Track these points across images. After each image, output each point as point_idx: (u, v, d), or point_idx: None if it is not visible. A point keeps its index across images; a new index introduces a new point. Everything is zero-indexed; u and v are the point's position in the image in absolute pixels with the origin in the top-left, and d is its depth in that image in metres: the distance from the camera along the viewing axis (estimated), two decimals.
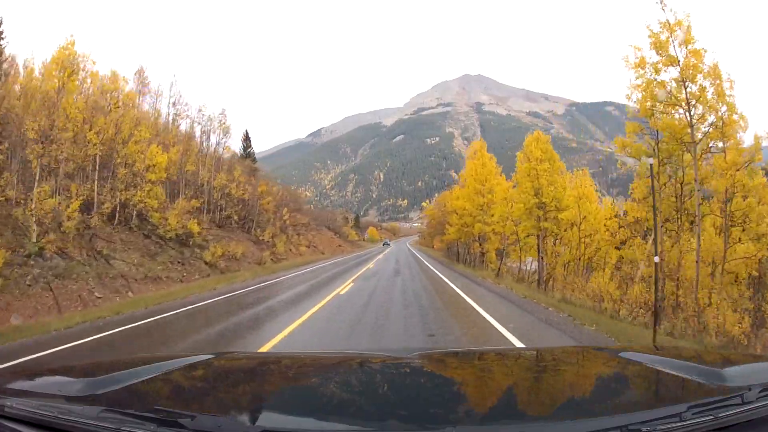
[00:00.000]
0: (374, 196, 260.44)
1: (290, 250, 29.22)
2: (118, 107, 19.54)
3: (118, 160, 17.79)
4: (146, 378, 1.19)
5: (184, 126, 26.11)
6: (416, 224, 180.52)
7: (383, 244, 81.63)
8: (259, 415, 1.02)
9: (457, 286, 12.60)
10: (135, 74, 24.79)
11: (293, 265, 22.94)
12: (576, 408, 1.10)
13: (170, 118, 26.75)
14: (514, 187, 18.07)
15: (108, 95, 20.37)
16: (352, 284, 13.38)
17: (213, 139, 25.74)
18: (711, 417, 0.86)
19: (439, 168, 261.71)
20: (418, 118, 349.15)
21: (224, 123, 26.89)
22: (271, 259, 23.91)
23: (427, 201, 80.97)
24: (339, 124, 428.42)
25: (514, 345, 5.42)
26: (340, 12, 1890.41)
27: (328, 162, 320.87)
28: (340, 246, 50.12)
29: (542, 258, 16.09)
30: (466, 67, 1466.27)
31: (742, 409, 0.89)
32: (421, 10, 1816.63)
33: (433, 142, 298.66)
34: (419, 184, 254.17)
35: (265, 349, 5.48)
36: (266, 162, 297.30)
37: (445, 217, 32.26)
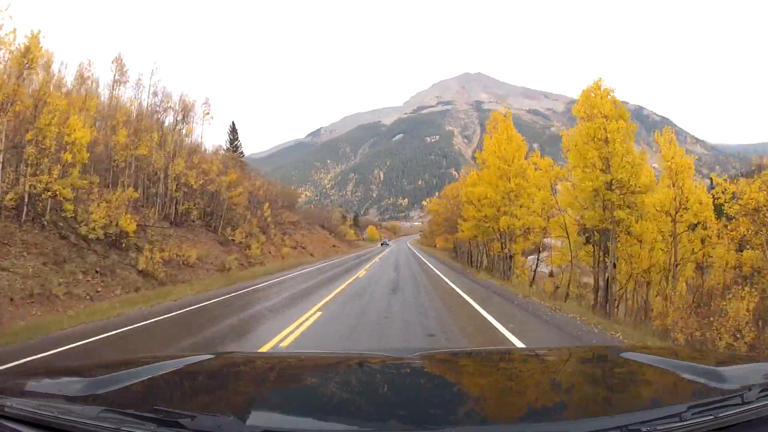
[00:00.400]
0: (374, 195, 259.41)
1: (269, 252, 24.66)
2: (35, 69, 15.00)
3: (29, 137, 13.36)
4: (146, 378, 1.17)
5: (167, 120, 22.24)
6: (417, 223, 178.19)
7: (381, 244, 75.30)
8: (258, 415, 1.01)
9: (500, 322, 7.14)
10: (112, 62, 21.19)
11: (265, 272, 18.30)
12: (576, 408, 1.09)
13: (151, 109, 22.65)
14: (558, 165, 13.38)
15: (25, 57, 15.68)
16: (319, 315, 8.00)
17: (171, 117, 21.26)
18: (711, 417, 0.84)
19: (439, 166, 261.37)
20: (417, 117, 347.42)
21: (205, 109, 22.52)
22: (241, 264, 19.38)
23: (428, 199, 76.90)
24: (338, 124, 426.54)
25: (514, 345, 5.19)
26: (339, 11, 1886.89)
27: (328, 162, 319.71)
28: (334, 246, 45.38)
29: (613, 264, 11.13)
30: (465, 66, 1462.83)
31: (742, 409, 0.87)
32: (420, 9, 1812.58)
33: (432, 140, 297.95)
34: (419, 182, 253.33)
35: (264, 349, 5.24)
36: (266, 162, 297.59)
37: (455, 211, 27.45)
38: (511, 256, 17.83)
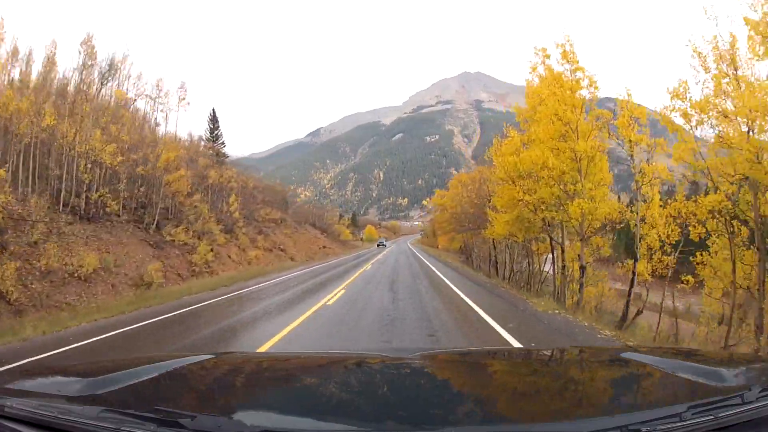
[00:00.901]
0: (374, 195, 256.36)
1: (228, 256, 19.15)
2: None
3: None
4: (146, 378, 1.15)
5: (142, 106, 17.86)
6: (417, 223, 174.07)
7: (378, 245, 65.99)
8: (258, 415, 1.00)
9: None
10: (81, 44, 17.52)
11: (206, 287, 12.68)
12: (576, 408, 1.07)
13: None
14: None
15: None
16: None
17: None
18: (711, 417, 0.83)
19: (439, 166, 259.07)
20: (417, 117, 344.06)
21: (181, 94, 17.31)
22: (178, 274, 13.98)
23: (428, 199, 71.38)
24: (338, 124, 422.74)
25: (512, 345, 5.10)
26: (338, 11, 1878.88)
27: (328, 162, 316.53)
28: (324, 248, 39.88)
29: None
30: (465, 65, 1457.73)
31: (742, 409, 0.86)
32: (419, 8, 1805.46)
33: (432, 140, 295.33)
34: (419, 182, 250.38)
35: (263, 349, 5.19)
36: (266, 162, 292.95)
37: (471, 202, 21.78)
38: (583, 267, 10.78)
